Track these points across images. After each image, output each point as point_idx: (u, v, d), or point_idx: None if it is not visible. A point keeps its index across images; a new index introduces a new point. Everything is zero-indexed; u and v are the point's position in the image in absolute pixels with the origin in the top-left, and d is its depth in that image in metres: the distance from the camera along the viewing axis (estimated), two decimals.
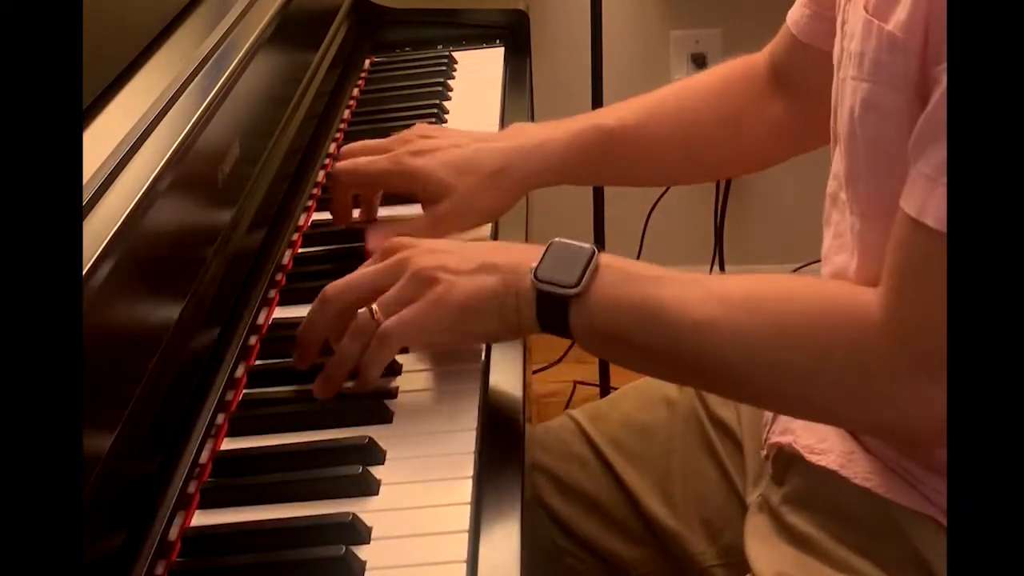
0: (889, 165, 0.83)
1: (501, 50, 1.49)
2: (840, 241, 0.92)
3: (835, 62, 0.95)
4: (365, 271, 0.90)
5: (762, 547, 0.97)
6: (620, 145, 1.12)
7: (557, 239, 0.88)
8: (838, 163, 0.92)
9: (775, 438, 0.99)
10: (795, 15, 1.09)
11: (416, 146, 1.07)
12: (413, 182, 1.06)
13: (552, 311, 0.86)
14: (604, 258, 0.88)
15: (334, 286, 0.89)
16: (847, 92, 0.87)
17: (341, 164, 1.08)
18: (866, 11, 0.84)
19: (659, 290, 0.87)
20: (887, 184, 0.83)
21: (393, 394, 0.88)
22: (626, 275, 0.87)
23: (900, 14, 0.81)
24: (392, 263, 0.89)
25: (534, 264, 0.87)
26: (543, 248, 0.88)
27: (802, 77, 1.09)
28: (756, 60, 1.15)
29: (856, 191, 0.88)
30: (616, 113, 1.14)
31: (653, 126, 1.13)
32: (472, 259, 0.88)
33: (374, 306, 0.87)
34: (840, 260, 0.92)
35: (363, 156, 1.08)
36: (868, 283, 0.86)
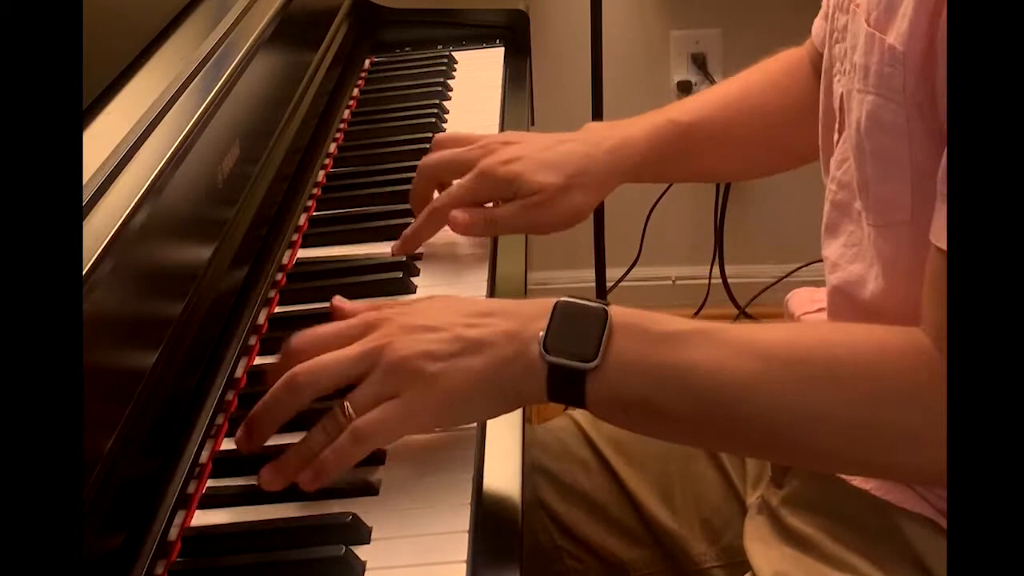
0: (896, 177, 0.83)
1: (501, 50, 1.49)
2: (856, 251, 0.91)
3: (824, 67, 0.96)
4: (338, 357, 0.80)
5: (761, 548, 0.97)
6: (697, 139, 1.13)
7: (561, 299, 0.80)
8: (847, 173, 0.91)
9: None
10: (816, 29, 1.11)
11: (503, 155, 1.07)
12: (507, 189, 1.05)
13: (566, 385, 0.78)
14: (617, 316, 0.79)
15: (305, 371, 0.80)
16: (853, 104, 0.86)
17: (429, 159, 1.10)
18: (868, 24, 0.84)
19: (687, 350, 0.78)
20: (896, 195, 0.83)
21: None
22: (646, 335, 0.79)
23: (900, 25, 0.81)
24: (367, 351, 0.79)
25: (540, 332, 0.78)
26: (544, 309, 0.79)
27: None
28: (801, 54, 1.16)
29: (868, 202, 0.87)
30: (689, 107, 1.15)
31: (727, 120, 1.14)
32: (459, 335, 0.79)
33: (346, 404, 0.78)
34: (856, 269, 0.91)
35: (448, 168, 1.09)
36: (891, 294, 0.86)
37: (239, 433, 0.81)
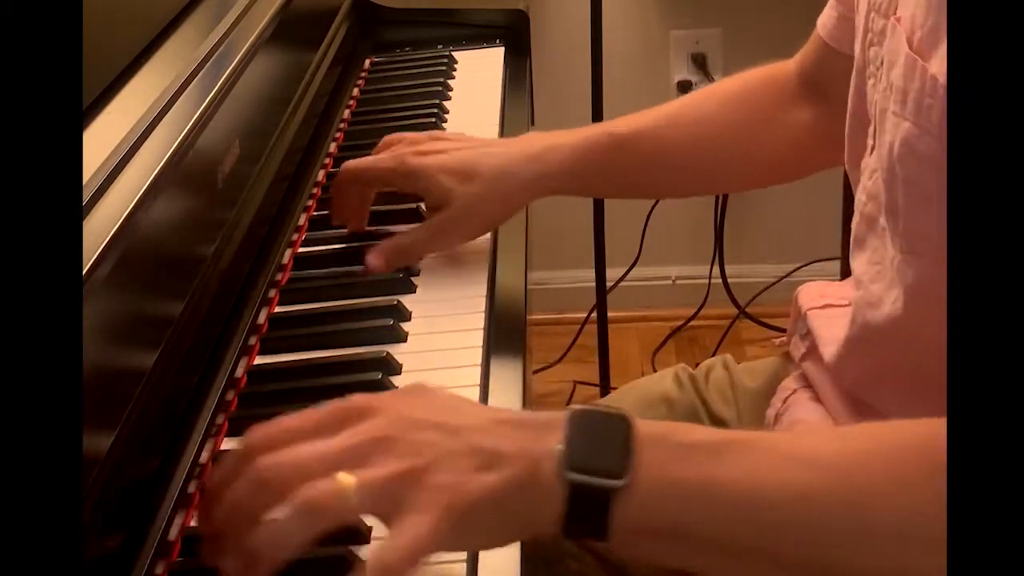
0: (927, 208, 0.79)
1: (501, 50, 1.49)
2: (878, 269, 0.88)
3: (857, 66, 0.93)
4: (318, 451, 0.66)
5: None
6: (631, 152, 1.08)
7: (575, 407, 0.68)
8: (876, 184, 0.88)
9: None
10: (824, 19, 1.06)
11: (423, 147, 1.05)
12: (415, 181, 1.03)
13: (587, 509, 0.65)
14: (643, 428, 0.67)
15: (273, 464, 0.65)
16: (888, 124, 0.83)
17: (346, 166, 1.07)
18: (910, 45, 0.80)
19: (727, 462, 0.66)
20: (925, 225, 0.80)
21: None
22: (677, 447, 0.67)
23: (943, 50, 0.76)
24: (359, 443, 0.66)
25: (558, 446, 0.66)
26: (556, 420, 0.68)
27: (833, 85, 1.02)
28: (785, 67, 1.11)
29: (896, 226, 0.84)
30: (632, 120, 1.10)
31: (668, 133, 1.09)
32: (474, 443, 0.66)
33: (343, 479, 0.65)
34: (876, 289, 0.88)
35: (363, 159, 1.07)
36: (905, 323, 0.84)
37: (201, 515, 0.70)
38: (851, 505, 0.66)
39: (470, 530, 0.66)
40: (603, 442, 0.66)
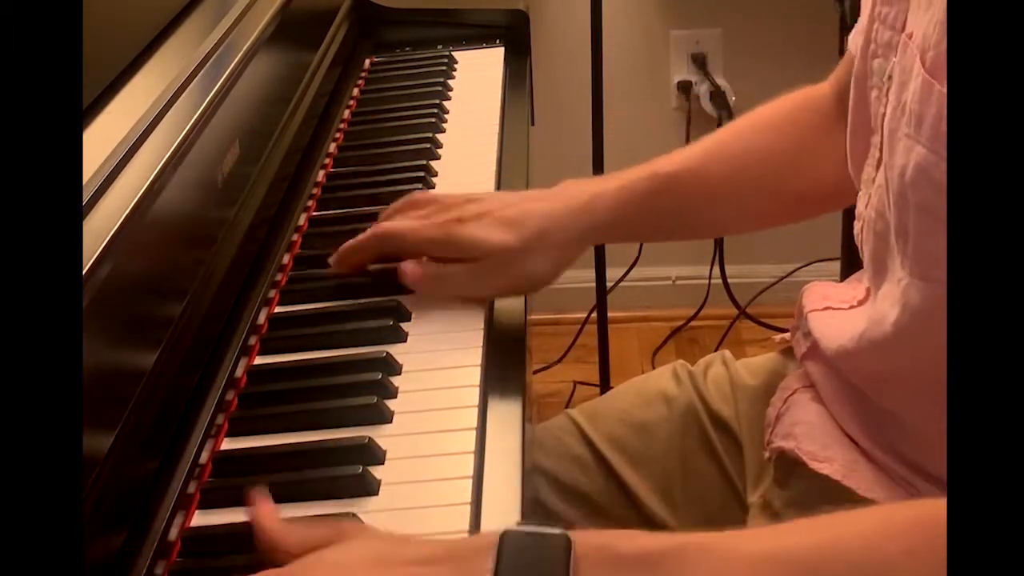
0: (940, 235, 0.76)
1: (501, 50, 1.49)
2: (889, 289, 0.87)
3: (857, 74, 0.91)
4: None
5: None
6: (676, 192, 1.03)
7: (508, 529, 0.64)
8: (883, 204, 0.86)
9: (778, 442, 0.99)
10: (855, 35, 1.01)
11: (463, 212, 0.99)
12: (461, 251, 0.98)
13: None
14: (581, 541, 0.63)
15: None
16: (899, 146, 0.81)
17: (386, 226, 1.01)
18: (923, 64, 0.78)
19: (681, 572, 0.61)
20: (938, 254, 0.77)
21: (393, 394, 0.88)
22: (620, 561, 0.62)
23: None
24: None
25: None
26: (487, 542, 0.64)
27: None
28: (819, 90, 1.08)
29: (906, 250, 0.83)
30: (674, 159, 1.04)
31: (711, 168, 1.04)
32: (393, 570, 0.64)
33: None
34: (883, 305, 0.86)
35: (405, 217, 1.01)
36: (902, 345, 0.83)
37: None
38: None
39: None
40: (538, 567, 0.62)
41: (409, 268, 0.97)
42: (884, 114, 0.87)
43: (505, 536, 0.63)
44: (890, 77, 0.86)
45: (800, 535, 0.64)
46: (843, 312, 0.96)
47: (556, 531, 0.63)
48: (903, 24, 0.85)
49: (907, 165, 0.79)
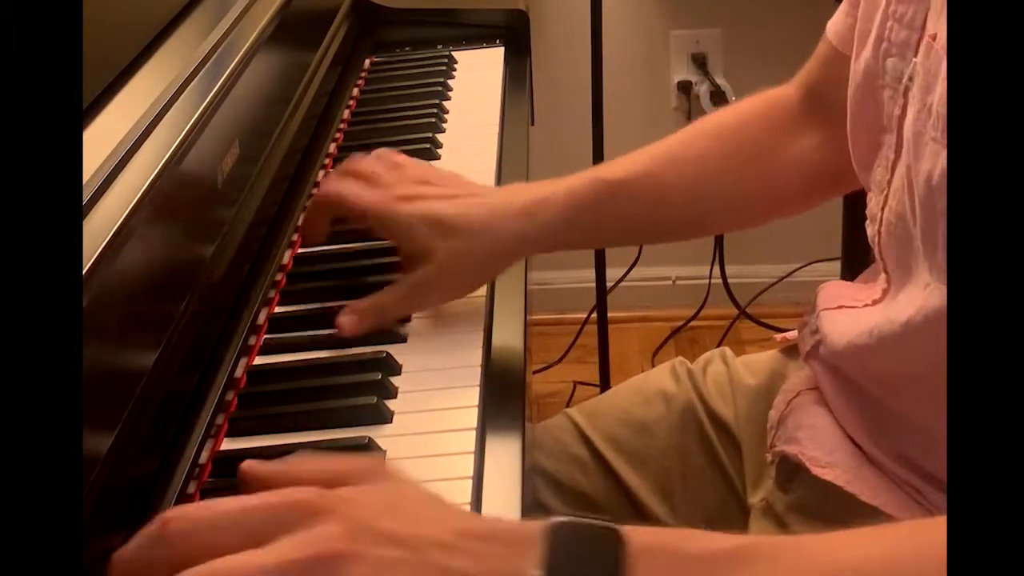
0: None
1: (501, 50, 1.49)
2: (913, 292, 0.85)
3: (866, 70, 0.90)
4: (247, 567, 0.55)
5: None
6: (626, 198, 1.00)
7: (556, 520, 0.59)
8: (903, 206, 0.85)
9: (781, 446, 0.99)
10: (836, 24, 1.00)
11: (407, 190, 0.96)
12: (393, 230, 0.96)
13: None
14: (637, 539, 0.58)
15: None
16: (925, 151, 0.79)
17: (327, 187, 1.00)
18: (933, 41, 0.78)
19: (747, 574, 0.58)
20: None
21: (393, 394, 0.88)
22: (681, 560, 0.58)
23: None
24: (298, 561, 0.55)
25: (534, 571, 0.57)
26: (534, 535, 0.58)
27: (843, 99, 0.96)
28: (783, 91, 1.06)
29: (934, 259, 0.81)
30: (623, 164, 1.02)
31: (664, 174, 1.01)
32: (437, 564, 0.57)
33: None
34: (901, 301, 0.86)
35: (353, 181, 0.99)
36: (921, 338, 0.82)
37: None
38: None
39: None
40: (590, 561, 0.57)
41: (345, 322, 0.93)
42: (901, 115, 0.86)
43: (553, 529, 0.58)
44: (911, 78, 0.84)
45: (864, 545, 0.61)
46: (856, 310, 0.95)
47: (608, 527, 0.59)
48: (923, 23, 0.84)
49: (933, 170, 0.78)
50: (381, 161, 1.00)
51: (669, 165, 1.02)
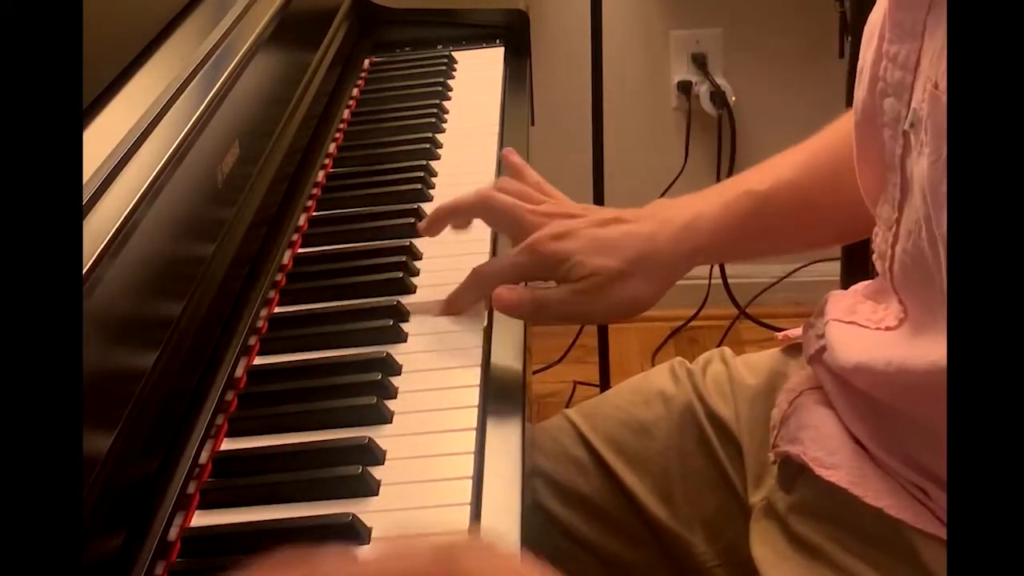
0: None
1: (501, 50, 1.49)
2: (940, 335, 0.84)
3: (868, 111, 0.89)
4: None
5: (770, 554, 0.96)
6: (775, 211, 1.01)
7: None
8: (926, 255, 0.83)
9: (783, 446, 0.98)
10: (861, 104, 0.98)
11: (556, 228, 0.97)
12: (556, 268, 0.96)
13: None
14: None
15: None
16: (943, 201, 0.78)
17: (498, 196, 0.99)
18: (936, 89, 0.78)
19: None
20: None
21: (393, 394, 0.88)
22: None
23: None
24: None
25: None
26: None
27: None
28: None
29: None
30: (767, 174, 1.02)
31: (808, 183, 1.02)
32: None
33: None
34: (930, 347, 0.84)
35: (500, 217, 1.00)
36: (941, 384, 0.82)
37: None
38: None
39: None
40: None
41: (504, 294, 0.95)
42: (903, 155, 0.85)
43: None
44: (912, 125, 0.84)
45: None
46: (868, 331, 0.94)
47: None
48: (915, 64, 0.84)
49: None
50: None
51: (811, 174, 1.02)
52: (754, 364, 1.12)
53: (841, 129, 1.04)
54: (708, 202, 1.00)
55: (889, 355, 0.89)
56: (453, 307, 0.98)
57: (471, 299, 0.98)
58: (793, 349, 1.09)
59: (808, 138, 1.06)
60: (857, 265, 0.99)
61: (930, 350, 0.84)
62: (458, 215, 1.02)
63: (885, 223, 0.90)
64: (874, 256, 0.93)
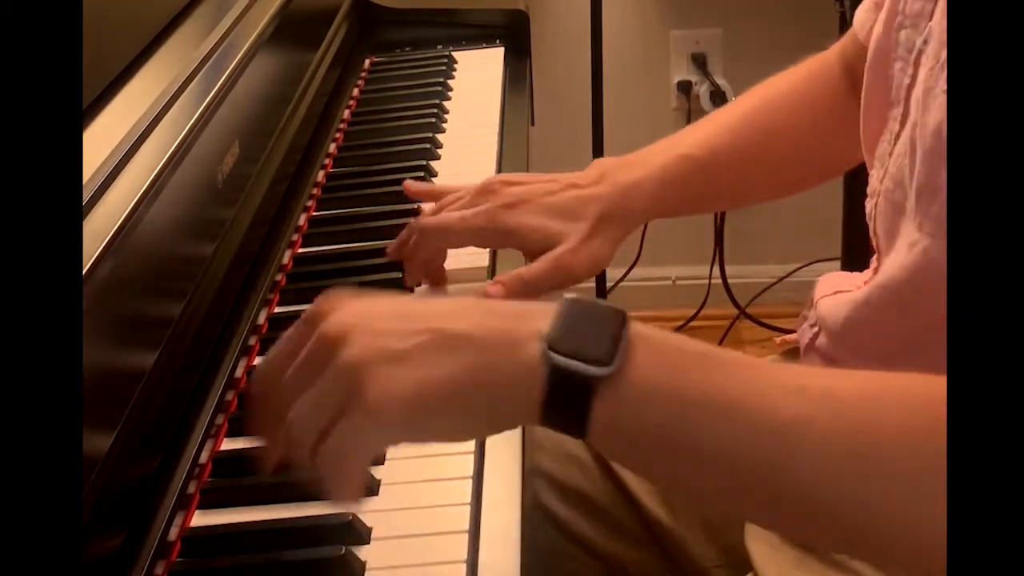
0: None
1: (501, 50, 1.49)
2: (898, 256, 0.86)
3: (879, 47, 0.91)
4: (288, 365, 0.66)
5: (764, 549, 0.97)
6: (712, 174, 1.06)
7: (568, 295, 0.65)
8: (902, 171, 0.86)
9: None
10: (861, 18, 1.04)
11: (506, 198, 0.99)
12: (513, 238, 0.99)
13: (568, 398, 0.62)
14: (639, 325, 0.64)
15: (256, 382, 0.69)
16: (933, 104, 0.81)
17: (430, 221, 1.00)
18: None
19: (724, 378, 0.63)
20: None
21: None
22: (674, 352, 0.64)
23: None
24: (311, 353, 0.65)
25: (544, 329, 0.63)
26: (548, 307, 0.64)
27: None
28: (829, 59, 1.10)
29: (928, 209, 0.81)
30: (701, 137, 1.07)
31: (744, 147, 1.07)
32: (433, 327, 0.63)
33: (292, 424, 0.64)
34: (890, 272, 0.87)
35: (442, 209, 1.00)
36: (918, 298, 0.83)
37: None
38: (857, 441, 0.61)
39: (424, 419, 0.63)
40: (593, 330, 0.63)
41: (491, 288, 0.96)
42: (910, 84, 0.87)
43: (566, 300, 0.64)
44: (925, 41, 0.85)
45: (835, 377, 0.66)
46: (852, 294, 0.96)
47: (614, 308, 0.64)
48: None
49: (943, 120, 0.79)
50: (446, 188, 1.04)
51: (745, 138, 1.07)
52: None
53: (771, 92, 1.11)
54: (648, 166, 1.04)
55: (865, 297, 0.91)
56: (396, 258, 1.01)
57: (413, 254, 0.99)
58: (793, 353, 1.09)
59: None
60: (857, 264, 1.00)
61: (889, 273, 0.86)
62: (405, 251, 1.00)
63: (879, 160, 0.92)
64: (867, 200, 0.95)
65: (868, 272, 0.96)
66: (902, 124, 0.88)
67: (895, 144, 0.90)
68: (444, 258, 1.02)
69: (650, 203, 1.04)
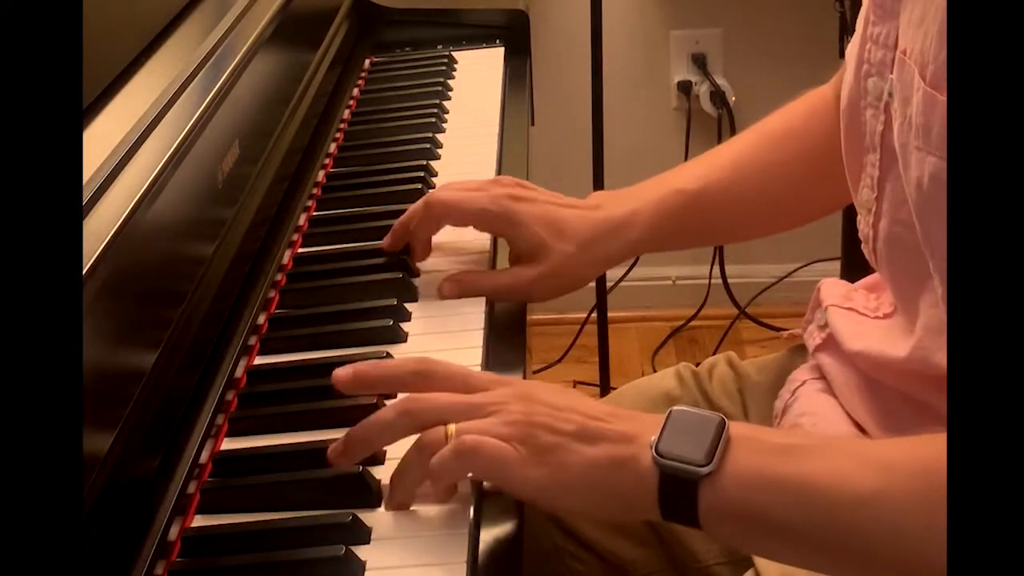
0: None
1: (501, 50, 1.49)
2: (928, 319, 0.86)
3: (851, 94, 0.91)
4: (457, 398, 0.80)
5: None
6: (704, 209, 1.08)
7: (676, 408, 0.78)
8: (904, 212, 0.86)
9: None
10: (851, 51, 1.01)
11: (515, 192, 1.03)
12: (511, 227, 1.02)
13: (678, 494, 0.75)
14: (735, 428, 0.76)
15: (422, 401, 0.80)
16: (912, 160, 0.82)
17: (438, 193, 1.04)
18: (924, 79, 0.80)
19: (806, 463, 0.74)
20: None
21: (393, 394, 0.88)
22: (763, 447, 0.76)
23: None
24: (488, 400, 0.79)
25: (653, 437, 0.76)
26: (659, 418, 0.78)
27: None
28: (826, 95, 1.10)
29: (936, 263, 0.83)
30: (697, 173, 1.09)
31: (737, 185, 1.08)
32: (579, 421, 0.77)
33: (451, 427, 0.77)
34: (926, 340, 0.87)
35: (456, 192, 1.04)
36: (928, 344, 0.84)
37: (335, 447, 0.80)
38: (913, 507, 0.71)
39: (567, 491, 0.76)
40: (694, 436, 0.75)
41: (446, 285, 1.00)
42: (884, 131, 0.88)
43: (672, 413, 0.77)
44: (890, 95, 0.86)
45: (895, 446, 0.77)
46: (868, 320, 0.96)
47: (714, 415, 0.77)
48: (895, 42, 0.86)
49: (922, 176, 0.80)
50: (476, 181, 1.07)
51: (740, 175, 1.09)
52: (761, 364, 1.14)
53: (768, 129, 1.11)
54: (641, 199, 1.07)
55: (887, 348, 0.91)
56: (397, 236, 1.05)
57: (416, 225, 1.04)
58: (799, 351, 1.09)
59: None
60: (857, 264, 1.00)
61: (930, 342, 0.86)
62: (409, 224, 1.04)
63: (864, 206, 0.92)
64: (862, 244, 0.94)
65: (880, 300, 0.96)
66: (882, 171, 0.89)
67: (880, 191, 0.90)
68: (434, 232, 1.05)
69: (643, 235, 1.06)
